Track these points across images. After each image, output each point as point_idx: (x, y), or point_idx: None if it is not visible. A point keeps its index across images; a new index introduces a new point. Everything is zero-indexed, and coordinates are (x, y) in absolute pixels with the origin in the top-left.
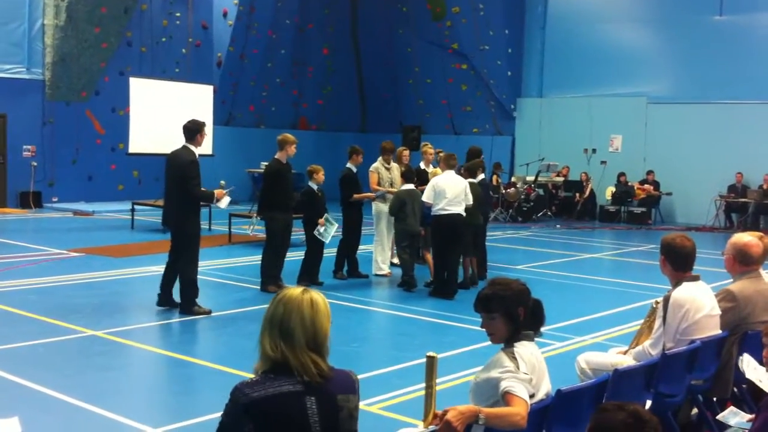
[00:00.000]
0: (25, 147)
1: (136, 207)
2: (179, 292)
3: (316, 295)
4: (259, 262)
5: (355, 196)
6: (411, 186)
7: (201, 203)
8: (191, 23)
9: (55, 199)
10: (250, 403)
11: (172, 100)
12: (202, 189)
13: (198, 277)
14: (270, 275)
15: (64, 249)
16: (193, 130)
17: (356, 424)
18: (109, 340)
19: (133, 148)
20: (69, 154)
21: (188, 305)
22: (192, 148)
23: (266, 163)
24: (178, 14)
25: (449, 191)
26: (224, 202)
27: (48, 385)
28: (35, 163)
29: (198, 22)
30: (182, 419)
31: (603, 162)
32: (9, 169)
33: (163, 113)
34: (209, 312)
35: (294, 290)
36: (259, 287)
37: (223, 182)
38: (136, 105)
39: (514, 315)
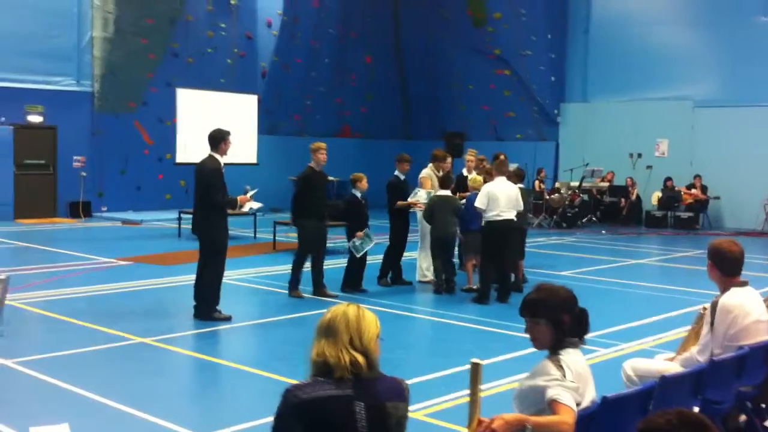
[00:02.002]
0: (75, 158)
1: (182, 216)
2: (198, 296)
3: (363, 307)
4: (307, 269)
5: (399, 203)
6: (446, 192)
7: (228, 210)
8: (236, 34)
9: (104, 209)
10: (300, 404)
11: (218, 110)
12: (228, 197)
13: (224, 282)
14: (296, 281)
15: (113, 258)
16: (217, 139)
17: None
18: (157, 347)
19: (180, 158)
20: (117, 164)
21: (208, 311)
22: (217, 156)
23: None
24: (223, 25)
25: (503, 197)
26: (248, 206)
27: (97, 391)
28: (85, 174)
29: (242, 32)
30: (227, 425)
31: (649, 167)
32: (59, 180)
33: (209, 123)
34: (229, 318)
35: (342, 305)
36: (309, 294)
37: (247, 187)
38: (182, 115)
39: (559, 322)
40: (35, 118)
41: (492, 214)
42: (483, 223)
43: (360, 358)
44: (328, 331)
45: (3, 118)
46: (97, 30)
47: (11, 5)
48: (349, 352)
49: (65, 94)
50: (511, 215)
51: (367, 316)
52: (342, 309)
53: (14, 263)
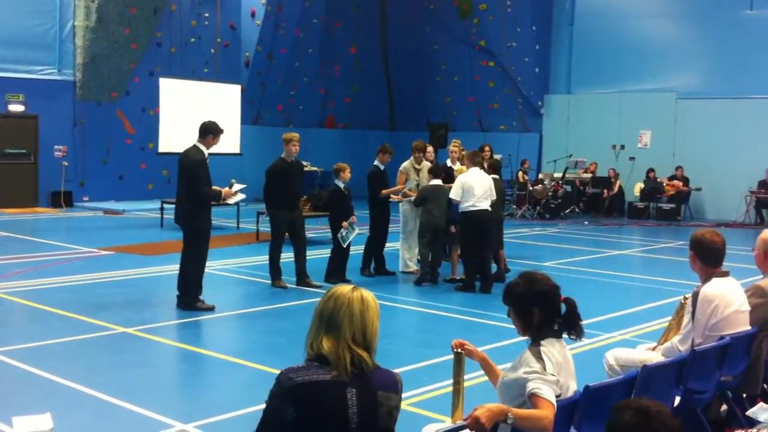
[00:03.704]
0: (56, 147)
1: (165, 206)
2: (182, 286)
3: (366, 292)
4: (290, 260)
5: (384, 191)
6: (438, 181)
7: (212, 201)
8: (220, 23)
9: (86, 199)
10: (293, 387)
11: (201, 100)
12: (213, 187)
13: (207, 272)
14: (276, 271)
15: (95, 247)
16: (207, 130)
17: (394, 423)
18: (140, 337)
19: (162, 148)
20: (100, 153)
21: (190, 300)
22: (202, 147)
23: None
24: (206, 15)
25: (477, 188)
26: (233, 199)
27: (79, 381)
28: (66, 163)
29: (226, 22)
30: (213, 415)
31: (632, 158)
32: (41, 169)
33: (192, 113)
34: (213, 308)
35: (344, 287)
36: (293, 285)
37: (233, 180)
38: (165, 105)
39: (527, 313)
40: (16, 107)
41: (467, 205)
42: (459, 214)
43: (364, 355)
44: (330, 323)
45: None
46: (79, 19)
47: None
48: (351, 349)
49: (47, 83)
50: (486, 205)
51: (371, 306)
52: (346, 298)
53: None
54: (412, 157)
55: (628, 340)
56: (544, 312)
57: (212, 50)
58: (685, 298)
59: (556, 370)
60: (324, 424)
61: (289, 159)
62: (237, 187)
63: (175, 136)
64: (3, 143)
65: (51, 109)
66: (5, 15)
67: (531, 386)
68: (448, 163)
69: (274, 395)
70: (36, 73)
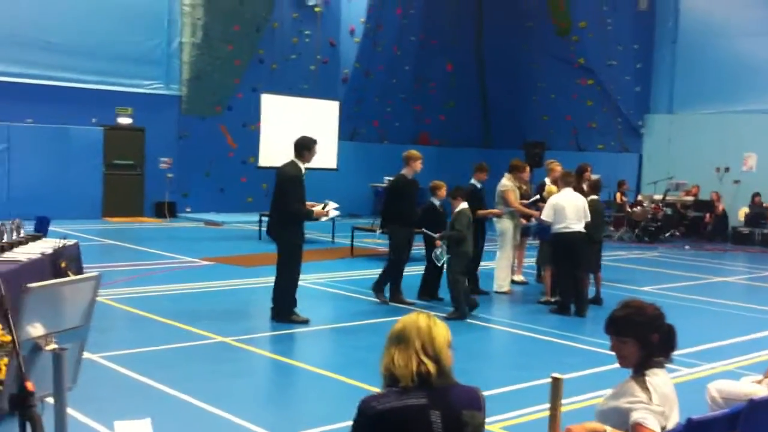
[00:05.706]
0: (161, 159)
1: (263, 218)
2: (275, 299)
3: (433, 315)
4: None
5: (480, 212)
6: (464, 205)
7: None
8: (319, 41)
9: (188, 210)
10: (376, 415)
11: (300, 116)
12: (307, 204)
13: (302, 286)
14: (383, 287)
15: (196, 257)
16: (302, 146)
17: None
18: (236, 347)
19: (262, 162)
20: (202, 166)
21: (285, 313)
22: (299, 163)
23: (390, 178)
24: (307, 32)
25: (569, 209)
26: (325, 218)
27: (178, 388)
28: (171, 175)
29: (326, 39)
30: (302, 428)
31: (736, 181)
32: (147, 180)
33: (291, 128)
34: (307, 321)
35: (411, 313)
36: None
37: (327, 201)
38: (266, 120)
39: (647, 341)
40: (125, 120)
41: (560, 226)
42: (551, 235)
43: (431, 366)
44: (399, 338)
45: (94, 119)
46: (186, 36)
47: (106, 11)
48: (420, 358)
49: (154, 98)
50: (580, 227)
51: (438, 323)
52: (413, 317)
53: (101, 260)
54: (510, 175)
55: (731, 372)
56: (660, 336)
57: (312, 67)
58: None
59: (662, 402)
60: None
61: (409, 176)
62: (331, 206)
63: (275, 150)
64: (112, 155)
65: (157, 122)
66: (117, 31)
67: (636, 416)
68: (547, 182)
69: (359, 425)
70: (144, 87)
